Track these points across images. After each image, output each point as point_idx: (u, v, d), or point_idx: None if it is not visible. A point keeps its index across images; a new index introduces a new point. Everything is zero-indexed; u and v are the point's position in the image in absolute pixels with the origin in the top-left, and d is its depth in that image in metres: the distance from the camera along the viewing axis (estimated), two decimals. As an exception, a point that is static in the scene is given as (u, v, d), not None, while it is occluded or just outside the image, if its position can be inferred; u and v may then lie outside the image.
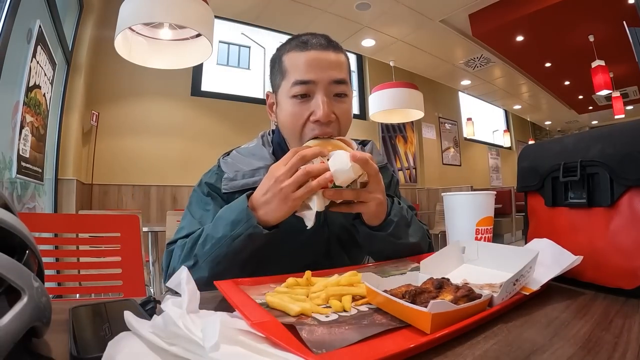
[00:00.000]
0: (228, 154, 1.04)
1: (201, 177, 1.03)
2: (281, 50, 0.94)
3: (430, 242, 1.05)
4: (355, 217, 0.89)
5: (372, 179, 0.80)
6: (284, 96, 0.91)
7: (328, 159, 0.78)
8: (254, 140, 1.07)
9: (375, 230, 0.88)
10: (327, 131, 0.87)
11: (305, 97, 0.88)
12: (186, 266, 0.76)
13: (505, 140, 10.83)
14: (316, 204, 0.76)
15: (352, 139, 1.14)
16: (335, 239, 1.00)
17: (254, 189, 0.92)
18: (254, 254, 0.79)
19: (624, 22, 3.55)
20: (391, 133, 7.31)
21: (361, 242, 0.93)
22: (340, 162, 0.74)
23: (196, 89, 5.27)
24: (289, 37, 0.97)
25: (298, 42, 0.90)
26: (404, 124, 7.35)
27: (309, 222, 0.77)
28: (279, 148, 1.01)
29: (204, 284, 0.71)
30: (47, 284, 0.46)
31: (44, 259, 0.46)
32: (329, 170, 0.74)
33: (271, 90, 1.00)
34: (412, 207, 1.15)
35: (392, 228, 0.87)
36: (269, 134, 1.08)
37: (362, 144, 1.16)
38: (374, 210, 0.84)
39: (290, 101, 0.89)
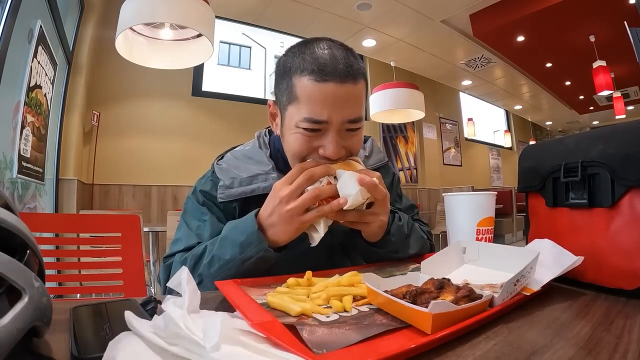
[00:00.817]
0: (222, 157, 1.00)
1: (195, 183, 0.99)
2: (292, 64, 0.80)
3: (431, 244, 1.04)
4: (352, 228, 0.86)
5: (378, 203, 0.79)
6: (291, 123, 0.81)
7: (335, 177, 0.76)
8: (250, 142, 1.03)
9: (372, 246, 0.87)
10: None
11: (315, 131, 0.79)
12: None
13: (506, 141, 10.83)
14: (322, 228, 0.75)
15: None
16: (339, 246, 0.97)
17: (251, 198, 0.90)
18: (262, 273, 0.76)
19: (625, 22, 3.55)
20: (392, 133, 7.31)
21: (361, 253, 0.93)
22: (349, 187, 0.72)
23: (197, 89, 5.28)
24: (298, 39, 0.88)
25: (314, 65, 0.76)
26: (404, 124, 7.36)
27: (314, 242, 0.76)
28: (278, 154, 0.96)
29: None
30: (48, 284, 0.46)
31: (45, 259, 0.46)
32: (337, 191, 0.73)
33: (274, 100, 0.90)
34: (414, 205, 1.15)
35: (390, 246, 0.87)
36: (265, 135, 1.02)
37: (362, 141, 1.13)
38: (375, 231, 0.83)
39: (297, 131, 0.80)
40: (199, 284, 0.76)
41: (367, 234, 0.85)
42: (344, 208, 0.72)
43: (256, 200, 0.87)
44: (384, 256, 0.89)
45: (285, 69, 0.82)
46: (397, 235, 0.88)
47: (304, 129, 0.78)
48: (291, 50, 0.84)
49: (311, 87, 0.76)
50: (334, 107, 0.77)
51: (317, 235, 0.76)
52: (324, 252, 0.92)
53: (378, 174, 0.79)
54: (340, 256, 0.98)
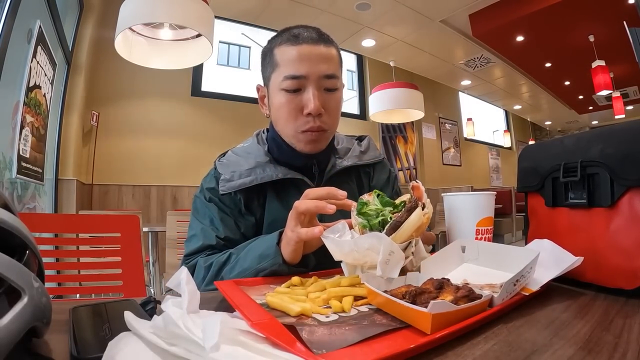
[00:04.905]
0: (224, 155, 1.06)
1: (201, 182, 1.03)
2: (272, 42, 0.95)
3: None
4: None
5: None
6: (275, 89, 0.92)
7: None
8: (249, 139, 1.08)
9: None
10: (317, 125, 0.90)
11: (296, 90, 0.90)
12: (211, 289, 0.77)
13: (505, 141, 10.83)
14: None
15: (349, 136, 1.15)
16: None
17: (252, 189, 0.95)
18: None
19: (624, 22, 3.55)
20: (391, 133, 7.31)
21: None
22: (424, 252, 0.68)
23: (196, 89, 5.27)
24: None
25: (289, 35, 0.91)
26: (404, 124, 7.36)
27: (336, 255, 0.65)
28: (273, 143, 1.01)
29: None
30: (48, 284, 0.46)
31: (44, 259, 0.46)
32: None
33: (262, 84, 1.02)
34: None
35: None
36: (263, 132, 1.09)
37: (359, 139, 1.16)
38: None
39: (282, 94, 0.91)
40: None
41: None
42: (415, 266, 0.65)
43: (257, 191, 0.96)
44: None
45: (267, 50, 0.96)
46: None
47: (286, 89, 0.89)
48: (271, 37, 0.98)
49: (289, 50, 0.90)
50: (310, 63, 0.88)
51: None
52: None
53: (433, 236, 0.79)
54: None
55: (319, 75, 0.89)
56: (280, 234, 0.78)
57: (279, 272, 0.75)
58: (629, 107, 9.30)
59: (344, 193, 0.72)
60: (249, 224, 0.97)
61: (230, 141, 1.21)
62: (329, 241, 0.63)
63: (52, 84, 3.34)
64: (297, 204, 0.73)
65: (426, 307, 0.43)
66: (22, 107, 2.62)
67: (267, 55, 0.96)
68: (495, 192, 0.93)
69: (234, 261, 0.82)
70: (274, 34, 0.97)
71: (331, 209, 0.69)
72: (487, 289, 0.55)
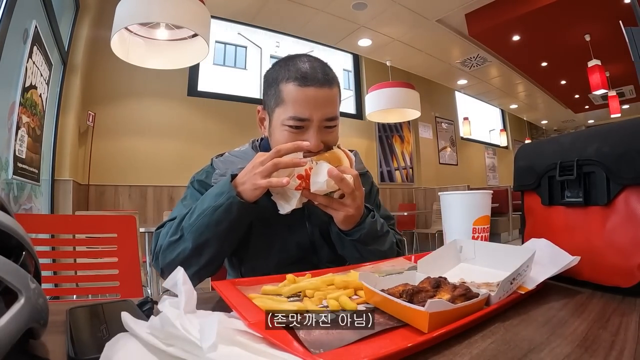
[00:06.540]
0: (221, 155, 1.12)
1: (193, 175, 1.09)
2: (279, 74, 0.97)
3: (399, 251, 1.10)
4: (331, 216, 0.97)
5: (347, 195, 0.89)
6: (278, 122, 0.96)
7: (316, 163, 0.86)
8: (246, 145, 1.15)
9: (342, 232, 0.95)
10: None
11: (299, 128, 0.94)
12: (172, 240, 0.87)
13: (501, 140, 10.86)
14: (294, 202, 0.86)
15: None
16: (318, 233, 1.06)
17: None
18: (232, 226, 0.87)
19: (620, 22, 3.56)
20: (388, 133, 7.31)
21: (333, 239, 1.01)
22: (319, 174, 0.84)
23: (192, 89, 5.25)
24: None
25: (297, 73, 0.93)
26: (400, 123, 7.35)
27: (282, 210, 0.88)
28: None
29: (188, 256, 0.86)
30: (44, 285, 0.46)
31: (41, 260, 0.46)
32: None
33: (263, 107, 1.05)
34: (391, 216, 1.21)
35: (359, 236, 0.94)
36: (257, 141, 1.15)
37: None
38: (341, 219, 0.91)
39: (284, 129, 0.94)
40: (180, 238, 0.88)
41: (337, 221, 0.93)
42: (312, 191, 0.85)
43: None
44: (353, 246, 0.96)
45: (272, 79, 0.99)
46: (368, 229, 0.95)
47: (289, 126, 0.93)
48: (277, 64, 1.01)
49: (295, 91, 0.92)
50: (315, 107, 0.92)
51: (287, 206, 0.87)
52: (306, 239, 1.05)
53: (356, 172, 0.89)
54: (321, 243, 1.07)
55: (322, 119, 0.94)
56: (234, 176, 0.90)
57: (233, 208, 0.85)
58: (625, 106, 9.33)
59: (307, 143, 0.87)
60: None
61: (227, 141, 1.23)
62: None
63: (48, 84, 3.33)
64: (282, 159, 0.85)
65: (423, 305, 0.43)
66: (18, 108, 2.60)
67: (273, 86, 0.98)
68: (491, 191, 0.94)
69: (193, 209, 0.90)
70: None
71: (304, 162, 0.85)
72: (484, 288, 0.55)
